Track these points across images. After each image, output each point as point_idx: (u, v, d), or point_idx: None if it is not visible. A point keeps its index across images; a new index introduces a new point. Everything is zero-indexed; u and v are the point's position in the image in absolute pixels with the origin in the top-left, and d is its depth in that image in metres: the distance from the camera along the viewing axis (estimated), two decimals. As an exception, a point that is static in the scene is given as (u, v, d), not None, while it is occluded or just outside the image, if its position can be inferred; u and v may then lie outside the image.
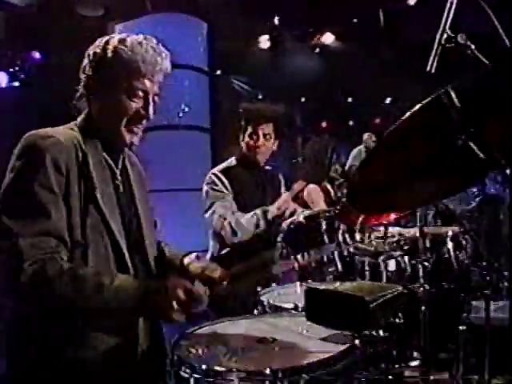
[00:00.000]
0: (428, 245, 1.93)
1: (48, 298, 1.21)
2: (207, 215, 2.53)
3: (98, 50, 1.40)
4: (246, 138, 2.63)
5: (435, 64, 1.17)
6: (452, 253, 2.04)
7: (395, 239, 1.97)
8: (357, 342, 1.11)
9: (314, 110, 6.47)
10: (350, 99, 7.24)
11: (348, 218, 1.93)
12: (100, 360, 1.29)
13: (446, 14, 1.20)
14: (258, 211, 2.44)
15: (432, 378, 1.69)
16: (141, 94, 1.39)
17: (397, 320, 1.55)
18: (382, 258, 1.68)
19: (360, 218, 1.91)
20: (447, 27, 1.21)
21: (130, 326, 1.34)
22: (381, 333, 1.35)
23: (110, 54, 1.37)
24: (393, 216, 1.98)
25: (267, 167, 2.82)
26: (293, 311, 1.51)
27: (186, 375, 1.05)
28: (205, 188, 2.63)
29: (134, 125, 1.41)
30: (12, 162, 1.30)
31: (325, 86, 6.04)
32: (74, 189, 1.30)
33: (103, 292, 1.20)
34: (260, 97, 5.56)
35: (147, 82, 1.39)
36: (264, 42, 5.94)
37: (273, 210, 2.45)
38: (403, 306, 1.51)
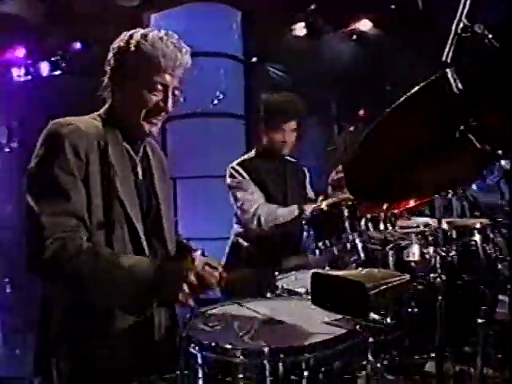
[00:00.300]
0: (454, 236, 1.91)
1: (68, 275, 1.30)
2: (237, 206, 2.58)
3: (122, 44, 1.49)
4: (271, 133, 2.64)
5: (451, 54, 1.15)
6: (479, 245, 2.01)
7: (419, 229, 1.95)
8: (357, 327, 1.13)
9: (351, 98, 6.38)
10: (387, 87, 7.10)
11: (369, 207, 1.93)
12: (116, 341, 1.37)
13: (462, 3, 1.18)
14: (295, 207, 2.45)
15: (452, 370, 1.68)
16: (160, 87, 1.47)
17: (409, 309, 1.54)
18: (389, 247, 1.67)
19: (383, 207, 1.90)
20: (463, 16, 1.19)
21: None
22: (388, 320, 1.35)
23: (132, 49, 1.46)
24: (412, 204, 1.95)
25: (290, 159, 2.83)
26: (304, 295, 1.54)
27: (195, 352, 1.08)
28: (227, 182, 2.67)
29: (153, 116, 1.50)
30: (36, 148, 1.41)
31: (362, 74, 5.93)
32: (94, 173, 1.40)
33: (118, 270, 1.28)
34: (293, 84, 5.53)
35: (167, 77, 1.47)
36: (300, 29, 5.87)
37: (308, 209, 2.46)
38: (415, 295, 1.52)
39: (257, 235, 2.56)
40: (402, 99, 0.94)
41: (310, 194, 2.88)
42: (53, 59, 5.70)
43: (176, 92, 1.50)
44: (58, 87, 5.58)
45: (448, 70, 0.94)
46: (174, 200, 5.24)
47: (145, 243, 1.45)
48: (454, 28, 1.19)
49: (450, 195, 2.54)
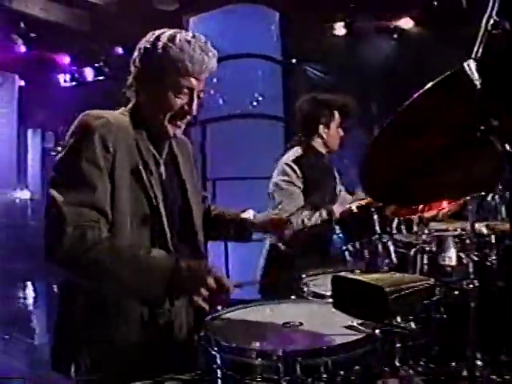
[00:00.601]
0: (494, 240, 1.84)
1: (86, 265, 1.30)
2: (275, 207, 2.56)
3: (149, 46, 1.47)
4: (333, 130, 2.71)
5: (481, 50, 1.11)
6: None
7: (456, 233, 1.89)
8: (377, 331, 1.11)
9: (391, 97, 6.26)
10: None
11: (399, 209, 1.89)
12: (135, 340, 1.37)
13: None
14: (324, 212, 2.45)
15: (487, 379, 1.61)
16: (186, 91, 1.46)
17: (438, 315, 1.50)
18: (414, 249, 1.63)
19: (413, 209, 1.86)
20: (494, 13, 1.15)
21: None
22: (412, 325, 1.31)
23: (159, 51, 1.44)
24: (445, 206, 1.90)
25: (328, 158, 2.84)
26: (328, 299, 1.49)
27: (214, 353, 1.08)
28: (276, 179, 2.66)
29: (178, 119, 1.50)
30: (66, 139, 1.42)
31: (403, 73, 5.81)
32: (122, 167, 1.40)
33: (137, 262, 1.29)
34: (332, 84, 5.48)
35: (193, 80, 1.46)
36: (339, 28, 5.81)
37: (338, 210, 2.44)
38: (445, 300, 1.47)
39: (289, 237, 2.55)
40: (418, 94, 0.90)
41: (343, 192, 2.90)
42: (96, 65, 5.88)
43: (200, 95, 1.50)
44: (101, 92, 5.75)
45: (469, 62, 0.91)
46: (213, 201, 5.32)
47: (170, 242, 1.45)
48: (483, 24, 1.15)
49: (489, 197, 2.46)
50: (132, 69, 1.51)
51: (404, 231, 1.97)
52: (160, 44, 1.45)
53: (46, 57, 5.61)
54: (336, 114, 2.71)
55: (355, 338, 1.09)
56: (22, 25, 4.69)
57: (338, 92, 2.97)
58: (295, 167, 2.63)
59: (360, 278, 1.16)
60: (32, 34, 4.97)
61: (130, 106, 1.54)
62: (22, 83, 8.05)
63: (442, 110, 0.92)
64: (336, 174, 2.92)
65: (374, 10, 5.59)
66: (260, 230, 1.82)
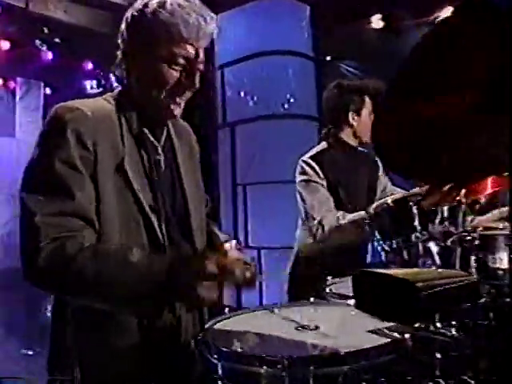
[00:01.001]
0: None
1: (68, 280, 1.16)
2: (303, 210, 2.49)
3: (136, 13, 1.35)
4: (364, 117, 2.58)
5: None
6: None
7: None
8: (407, 335, 0.96)
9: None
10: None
11: (439, 198, 1.73)
12: (138, 345, 1.26)
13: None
14: (363, 213, 2.31)
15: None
16: (182, 61, 1.33)
17: (486, 322, 1.33)
18: (450, 240, 1.46)
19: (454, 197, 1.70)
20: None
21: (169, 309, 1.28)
22: (453, 332, 1.15)
23: (148, 17, 1.32)
24: (490, 191, 1.72)
25: (362, 149, 2.69)
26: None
27: (213, 360, 0.99)
28: (297, 179, 2.55)
29: (176, 96, 1.37)
30: (37, 137, 1.29)
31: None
32: (105, 167, 1.27)
33: (127, 265, 1.14)
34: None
35: (190, 48, 1.33)
36: (376, 21, 5.62)
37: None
38: (494, 304, 1.31)
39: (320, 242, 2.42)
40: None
41: (389, 186, 2.74)
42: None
43: (200, 67, 1.37)
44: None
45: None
46: (244, 207, 5.24)
47: (166, 244, 1.33)
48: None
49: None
50: (120, 42, 1.39)
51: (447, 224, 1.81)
52: (149, 10, 1.32)
53: (71, 63, 5.66)
54: (367, 99, 2.58)
55: (380, 342, 0.94)
56: (46, 30, 4.71)
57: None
58: (313, 164, 2.50)
59: (387, 271, 1.01)
60: (56, 39, 5.01)
61: (119, 88, 1.42)
62: (48, 91, 8.22)
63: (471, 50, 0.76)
64: (378, 167, 2.76)
65: (413, 0, 5.40)
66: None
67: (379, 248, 1.82)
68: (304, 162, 2.55)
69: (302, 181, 2.53)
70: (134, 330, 1.27)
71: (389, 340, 0.96)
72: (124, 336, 1.26)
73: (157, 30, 1.31)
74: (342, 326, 1.12)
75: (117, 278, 1.14)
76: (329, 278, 1.66)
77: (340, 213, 2.42)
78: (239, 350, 0.98)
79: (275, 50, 4.99)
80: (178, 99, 1.38)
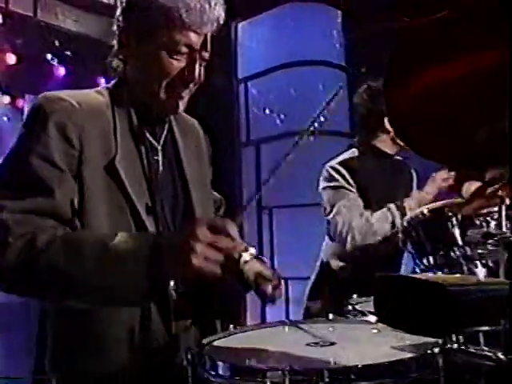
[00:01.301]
0: None
1: (39, 274, 1.11)
2: (330, 217, 2.47)
3: None
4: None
5: None
6: None
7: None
8: (436, 350, 0.90)
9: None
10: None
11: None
12: (130, 363, 1.24)
13: None
14: (392, 206, 2.25)
15: None
16: (185, 49, 1.32)
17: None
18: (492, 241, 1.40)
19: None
20: None
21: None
22: (500, 355, 1.06)
23: (145, 1, 1.30)
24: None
25: (397, 157, 2.70)
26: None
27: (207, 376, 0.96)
28: (321, 185, 2.56)
29: (178, 89, 1.35)
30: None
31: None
32: (93, 166, 1.25)
33: (105, 251, 1.10)
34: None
35: (192, 36, 1.30)
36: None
37: (410, 204, 2.29)
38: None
39: (350, 254, 2.38)
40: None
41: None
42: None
43: (205, 56, 1.35)
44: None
45: None
46: (270, 233, 5.19)
47: None
48: None
49: None
50: (115, 29, 1.37)
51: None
52: None
53: (83, 78, 5.79)
54: None
55: (404, 356, 0.89)
56: (57, 42, 4.83)
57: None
58: (342, 170, 2.51)
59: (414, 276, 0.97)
60: (67, 52, 5.12)
61: (115, 80, 1.41)
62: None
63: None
64: (412, 179, 2.76)
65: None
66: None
67: (415, 265, 1.77)
68: (332, 168, 2.55)
69: (328, 187, 2.53)
70: (125, 340, 1.25)
71: (411, 355, 0.90)
72: (112, 347, 1.25)
73: (155, 14, 1.29)
74: (362, 342, 1.07)
75: (93, 266, 1.10)
76: (354, 295, 1.61)
77: (367, 213, 2.41)
78: (237, 363, 0.95)
79: (304, 61, 5.02)
80: (180, 92, 1.35)
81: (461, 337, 0.91)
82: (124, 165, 1.28)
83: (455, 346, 0.90)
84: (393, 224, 2.33)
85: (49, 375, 1.28)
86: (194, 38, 1.31)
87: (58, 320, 1.29)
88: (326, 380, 0.83)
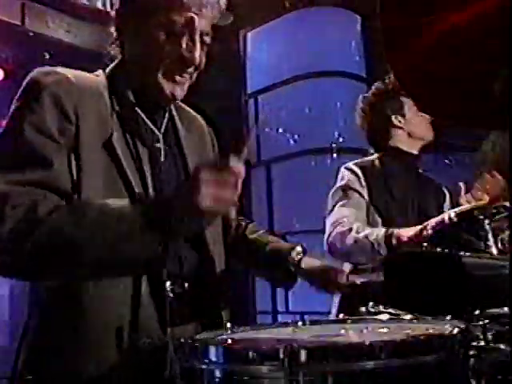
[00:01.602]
0: None
1: (42, 243, 1.18)
2: (327, 222, 2.52)
3: None
4: (411, 116, 2.69)
5: None
6: None
7: None
8: (455, 330, 0.89)
9: None
10: None
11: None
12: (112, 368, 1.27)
13: None
14: (381, 232, 2.29)
15: None
16: (183, 30, 1.39)
17: None
18: None
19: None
20: None
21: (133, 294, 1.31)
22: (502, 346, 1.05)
23: None
24: None
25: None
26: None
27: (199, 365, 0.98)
28: (333, 189, 2.65)
29: (176, 73, 1.43)
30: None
31: None
32: (90, 142, 1.32)
33: (110, 210, 1.20)
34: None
35: (191, 17, 1.38)
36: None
37: (401, 234, 2.24)
38: None
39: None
40: None
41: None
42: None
43: (206, 39, 1.43)
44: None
45: None
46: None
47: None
48: None
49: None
50: (112, 15, 1.46)
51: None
52: None
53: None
54: (404, 99, 2.69)
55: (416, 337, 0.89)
56: (47, 55, 4.91)
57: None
58: (356, 169, 2.59)
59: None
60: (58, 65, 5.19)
61: (112, 65, 1.50)
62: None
63: None
64: (444, 198, 2.80)
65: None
66: (304, 277, 1.73)
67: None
68: (346, 168, 2.66)
69: (336, 189, 2.60)
70: (112, 348, 1.28)
71: (429, 334, 0.90)
72: (97, 356, 1.28)
73: None
74: (372, 335, 1.08)
75: (97, 228, 1.19)
76: (370, 303, 1.61)
77: (356, 225, 2.41)
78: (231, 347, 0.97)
79: (318, 72, 5.06)
80: (178, 77, 1.43)
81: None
82: (121, 144, 1.36)
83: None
84: (375, 250, 2.27)
85: (27, 375, 1.32)
86: (193, 20, 1.39)
87: (43, 318, 1.35)
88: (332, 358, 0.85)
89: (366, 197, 2.55)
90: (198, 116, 1.72)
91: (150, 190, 1.38)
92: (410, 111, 2.71)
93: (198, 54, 1.41)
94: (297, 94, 5.09)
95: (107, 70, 1.49)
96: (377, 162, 2.68)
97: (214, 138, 1.76)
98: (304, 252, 1.69)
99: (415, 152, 2.74)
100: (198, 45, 1.41)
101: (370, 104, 2.83)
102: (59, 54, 4.79)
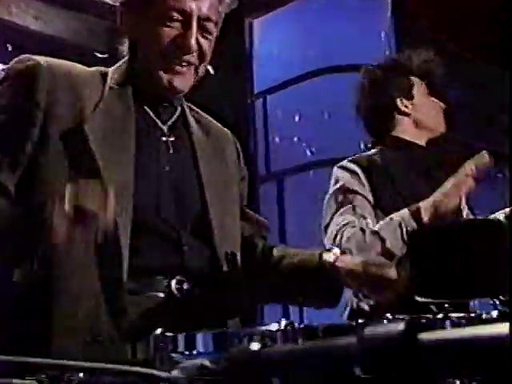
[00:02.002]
0: None
1: None
2: (327, 236, 2.49)
3: None
4: (420, 100, 2.66)
5: None
6: None
7: None
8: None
9: None
10: None
11: None
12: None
13: None
14: (405, 212, 2.31)
15: None
16: (177, 15, 1.59)
17: None
18: None
19: None
20: None
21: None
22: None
23: None
24: None
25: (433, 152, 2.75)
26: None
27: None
28: (328, 194, 2.62)
29: (174, 62, 1.62)
30: None
31: None
32: (58, 128, 1.54)
33: None
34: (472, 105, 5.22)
35: (187, 1, 1.58)
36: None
37: (427, 207, 2.30)
38: None
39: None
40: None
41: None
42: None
43: (207, 26, 1.62)
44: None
45: None
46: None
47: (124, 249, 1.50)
48: None
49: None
50: (118, 10, 1.68)
51: None
52: None
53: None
54: (415, 79, 2.68)
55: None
56: (10, 46, 4.85)
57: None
58: (354, 167, 2.53)
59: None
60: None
61: (120, 62, 1.72)
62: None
63: None
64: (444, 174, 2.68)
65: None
66: (346, 283, 1.77)
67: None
68: (341, 167, 2.61)
69: (331, 194, 2.56)
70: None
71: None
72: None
73: None
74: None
75: None
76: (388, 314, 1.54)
77: (363, 222, 2.40)
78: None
79: (341, 66, 4.99)
80: (177, 67, 1.62)
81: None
82: (98, 134, 1.56)
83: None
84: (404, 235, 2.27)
85: None
86: (189, 3, 1.58)
87: None
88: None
89: (371, 198, 2.49)
90: (221, 126, 1.92)
91: (130, 178, 1.56)
92: (420, 94, 2.68)
93: (193, 39, 1.58)
94: (313, 93, 5.06)
95: (115, 67, 1.72)
96: (377, 157, 2.62)
97: (239, 150, 1.97)
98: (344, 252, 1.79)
99: (421, 143, 2.69)
100: (195, 30, 1.58)
101: (372, 80, 2.76)
102: (26, 45, 4.74)
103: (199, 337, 1.16)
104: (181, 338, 1.11)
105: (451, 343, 0.59)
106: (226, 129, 1.94)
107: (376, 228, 2.37)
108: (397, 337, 0.60)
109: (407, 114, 2.67)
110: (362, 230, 2.35)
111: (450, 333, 0.75)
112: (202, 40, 1.61)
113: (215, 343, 1.15)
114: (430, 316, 1.39)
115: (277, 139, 5.26)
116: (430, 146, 2.71)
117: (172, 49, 1.59)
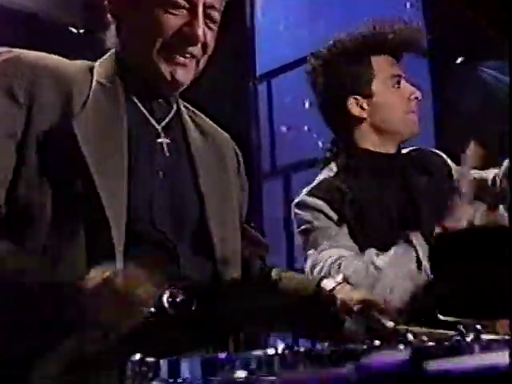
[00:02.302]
0: None
1: None
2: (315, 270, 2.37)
3: None
4: (381, 91, 2.46)
5: None
6: None
7: None
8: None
9: None
10: None
11: None
12: None
13: None
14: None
15: None
16: (183, 2, 1.64)
17: None
18: None
19: None
20: None
21: None
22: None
23: None
24: None
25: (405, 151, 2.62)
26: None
27: None
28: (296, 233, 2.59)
29: (177, 52, 1.67)
30: None
31: None
32: (42, 124, 1.55)
33: None
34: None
35: None
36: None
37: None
38: None
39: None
40: None
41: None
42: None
43: (213, 14, 1.67)
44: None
45: None
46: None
47: (119, 256, 1.53)
48: None
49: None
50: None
51: None
52: None
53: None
54: (379, 65, 2.46)
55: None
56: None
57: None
58: (315, 202, 2.42)
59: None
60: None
61: (108, 53, 1.75)
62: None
63: None
64: (450, 178, 2.59)
65: None
66: (339, 314, 1.77)
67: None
68: (297, 205, 2.51)
69: (300, 233, 2.50)
70: None
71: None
72: None
73: None
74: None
75: None
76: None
77: (370, 251, 2.32)
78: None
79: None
80: (179, 57, 1.66)
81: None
82: (86, 131, 1.57)
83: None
84: (418, 263, 2.22)
85: None
86: None
87: None
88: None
89: (343, 226, 2.40)
90: (220, 129, 1.98)
91: (124, 185, 1.57)
92: (381, 86, 2.49)
93: (201, 30, 1.64)
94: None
95: (102, 59, 1.74)
96: (340, 181, 2.48)
97: (239, 157, 2.03)
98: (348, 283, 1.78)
99: (388, 151, 2.54)
100: (201, 19, 1.64)
101: (322, 63, 2.59)
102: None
103: (185, 362, 1.15)
104: (163, 363, 1.11)
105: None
106: (225, 133, 2.00)
107: (380, 264, 2.29)
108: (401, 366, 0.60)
109: (362, 119, 2.52)
110: (363, 262, 2.31)
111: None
112: (206, 30, 1.67)
113: (203, 370, 1.14)
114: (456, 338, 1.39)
115: (283, 129, 5.25)
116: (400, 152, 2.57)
117: (176, 39, 1.64)
